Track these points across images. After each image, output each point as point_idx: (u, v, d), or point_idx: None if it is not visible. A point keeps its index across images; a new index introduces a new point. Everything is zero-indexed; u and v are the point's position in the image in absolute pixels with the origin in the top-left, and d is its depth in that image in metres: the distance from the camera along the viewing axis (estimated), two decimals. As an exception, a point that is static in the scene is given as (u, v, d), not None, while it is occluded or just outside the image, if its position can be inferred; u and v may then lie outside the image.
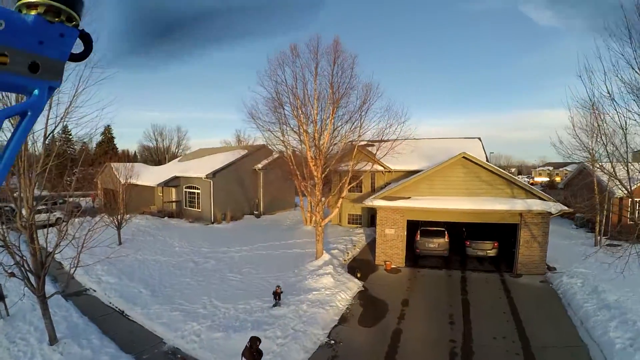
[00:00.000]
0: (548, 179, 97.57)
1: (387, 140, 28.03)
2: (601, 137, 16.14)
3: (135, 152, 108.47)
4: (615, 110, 12.01)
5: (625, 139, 12.31)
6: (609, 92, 11.69)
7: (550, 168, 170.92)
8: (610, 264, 13.20)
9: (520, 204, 17.68)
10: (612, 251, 13.27)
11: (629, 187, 12.91)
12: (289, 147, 20.69)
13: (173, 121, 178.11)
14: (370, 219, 29.25)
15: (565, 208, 17.53)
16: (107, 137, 74.48)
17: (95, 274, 17.34)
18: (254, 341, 9.60)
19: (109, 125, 73.74)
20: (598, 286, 15.20)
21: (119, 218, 23.76)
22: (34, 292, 10.23)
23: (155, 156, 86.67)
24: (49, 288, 12.79)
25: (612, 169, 14.09)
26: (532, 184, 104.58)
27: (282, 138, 20.69)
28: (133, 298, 15.11)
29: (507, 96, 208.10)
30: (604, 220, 23.51)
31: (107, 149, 72.05)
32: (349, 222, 30.51)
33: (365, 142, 34.75)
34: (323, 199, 20.46)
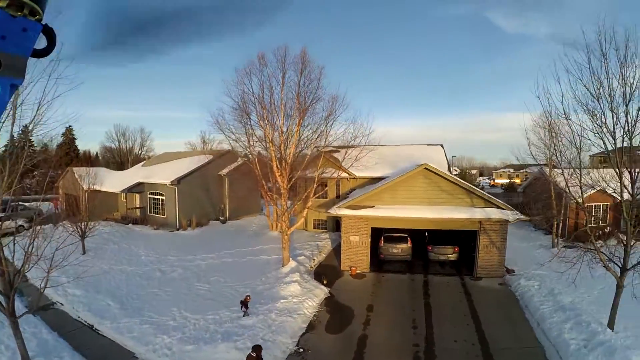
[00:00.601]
0: (508, 181, 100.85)
1: (353, 147, 28.74)
2: (556, 154, 17.61)
3: (97, 152, 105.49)
4: (571, 129, 13.15)
5: (579, 155, 13.37)
6: (565, 113, 12.78)
7: (511, 170, 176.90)
8: (563, 272, 14.19)
9: (479, 213, 18.66)
10: (566, 260, 14.19)
11: (581, 201, 13.92)
12: (255, 156, 20.88)
13: (136, 120, 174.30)
14: (335, 223, 29.80)
15: (522, 216, 18.63)
16: (68, 139, 72.25)
17: (60, 286, 17.10)
18: (259, 350, 10.17)
19: (70, 126, 71.64)
20: (554, 288, 16.21)
21: (82, 226, 23.28)
22: (4, 313, 10.06)
23: (117, 158, 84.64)
24: (16, 303, 12.64)
25: (565, 181, 15.30)
26: (493, 185, 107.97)
27: (248, 147, 20.85)
28: (101, 311, 15.11)
29: (470, 99, 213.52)
30: (560, 224, 24.71)
31: (68, 150, 70.06)
32: (314, 227, 30.99)
33: (331, 148, 35.38)
34: (290, 204, 20.82)
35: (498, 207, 18.87)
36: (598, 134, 12.08)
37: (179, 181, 30.82)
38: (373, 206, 19.66)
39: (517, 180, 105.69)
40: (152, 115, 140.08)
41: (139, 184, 33.30)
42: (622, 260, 12.28)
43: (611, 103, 11.53)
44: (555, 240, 24.45)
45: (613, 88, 11.44)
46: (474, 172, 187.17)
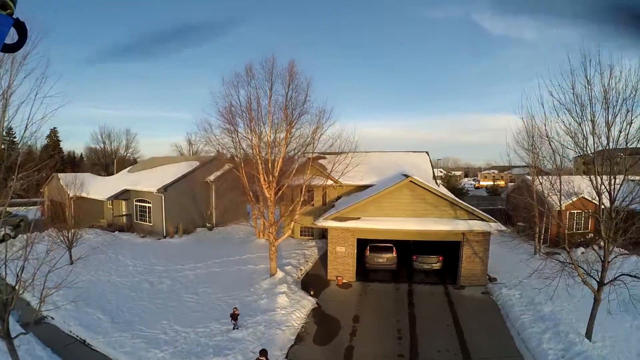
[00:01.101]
0: (492, 183, 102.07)
1: (340, 153, 29.12)
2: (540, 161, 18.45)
3: (81, 154, 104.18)
4: (552, 148, 13.88)
5: (559, 178, 14.05)
6: (547, 136, 13.48)
7: (495, 171, 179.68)
8: (541, 289, 14.80)
9: (462, 225, 19.29)
10: (544, 276, 14.77)
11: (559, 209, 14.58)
12: (242, 169, 21.07)
13: (121, 119, 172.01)
14: (322, 231, 30.14)
15: (504, 228, 19.28)
16: (53, 141, 71.35)
17: (50, 298, 17.14)
18: (265, 354, 10.96)
19: (54, 128, 70.95)
20: (534, 298, 16.82)
21: (69, 236, 23.26)
22: (-1, 334, 10.01)
23: (102, 159, 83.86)
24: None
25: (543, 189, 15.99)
26: (477, 187, 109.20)
27: (236, 156, 20.97)
28: (93, 326, 15.29)
29: (456, 100, 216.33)
30: (542, 231, 25.36)
31: (53, 152, 69.15)
32: (301, 234, 31.31)
33: (317, 154, 35.75)
34: (279, 208, 21.13)
35: (481, 219, 19.48)
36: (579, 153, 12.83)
37: (165, 189, 30.89)
38: (359, 218, 20.14)
39: (502, 183, 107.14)
40: (138, 115, 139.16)
41: (125, 191, 33.26)
42: (599, 274, 12.89)
43: (593, 127, 12.19)
44: (538, 247, 25.06)
45: (595, 111, 12.10)
46: (458, 173, 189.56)
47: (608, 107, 11.76)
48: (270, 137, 20.05)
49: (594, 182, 12.42)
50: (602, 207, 12.66)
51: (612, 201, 12.26)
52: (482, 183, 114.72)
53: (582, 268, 13.15)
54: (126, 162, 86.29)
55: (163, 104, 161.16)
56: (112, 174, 76.28)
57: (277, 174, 19.92)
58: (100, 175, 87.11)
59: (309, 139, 21.60)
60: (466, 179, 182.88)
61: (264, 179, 19.81)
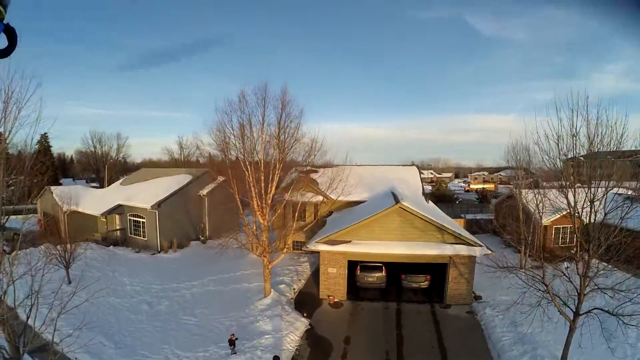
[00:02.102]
0: (482, 187, 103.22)
1: (332, 166, 30.03)
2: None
3: (72, 156, 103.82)
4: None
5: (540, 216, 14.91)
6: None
7: (486, 173, 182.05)
8: (523, 313, 15.73)
9: (449, 249, 20.34)
10: (522, 311, 15.54)
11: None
12: (236, 191, 21.67)
13: (112, 119, 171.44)
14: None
15: (489, 252, 20.13)
16: (44, 147, 71.21)
17: (52, 322, 17.72)
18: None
19: (45, 133, 70.75)
20: (516, 319, 17.55)
21: (66, 256, 23.77)
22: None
23: (93, 164, 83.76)
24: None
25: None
26: (467, 190, 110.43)
27: (231, 184, 21.59)
28: (98, 352, 16.00)
29: (447, 101, 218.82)
30: (528, 245, 26.10)
31: (44, 159, 69.05)
32: (293, 248, 32.06)
33: (310, 168, 36.63)
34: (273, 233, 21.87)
35: (467, 243, 20.44)
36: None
37: (159, 205, 31.50)
38: (350, 241, 21.04)
39: (491, 186, 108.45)
40: (129, 114, 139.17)
41: (119, 205, 33.78)
42: (575, 304, 13.75)
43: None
44: (524, 261, 25.81)
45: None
46: (449, 175, 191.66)
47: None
48: (262, 165, 20.71)
49: (569, 198, 13.44)
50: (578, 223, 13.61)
51: (591, 217, 13.02)
52: (472, 186, 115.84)
53: (559, 297, 14.01)
54: (118, 165, 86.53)
55: (154, 104, 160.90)
56: (103, 178, 76.74)
57: (270, 201, 20.67)
58: (92, 178, 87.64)
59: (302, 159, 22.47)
60: (457, 180, 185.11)
61: (257, 204, 20.57)
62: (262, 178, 20.54)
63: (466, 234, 21.22)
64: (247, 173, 20.30)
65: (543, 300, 14.43)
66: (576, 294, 13.55)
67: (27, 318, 11.53)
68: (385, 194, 28.09)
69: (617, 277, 14.13)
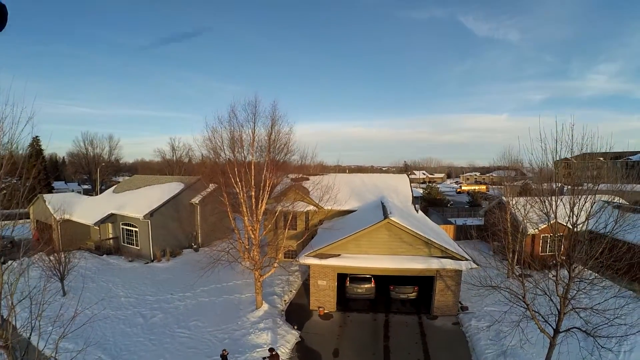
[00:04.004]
0: (475, 188, 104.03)
1: (323, 174, 30.49)
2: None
3: (64, 157, 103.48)
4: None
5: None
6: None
7: (477, 173, 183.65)
8: (507, 328, 16.35)
9: (435, 263, 21.04)
10: (503, 332, 16.10)
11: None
12: (229, 209, 22.16)
13: (105, 118, 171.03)
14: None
15: (475, 266, 20.78)
16: (36, 150, 70.95)
17: (50, 337, 18.10)
18: (273, 350, 14.07)
19: (37, 137, 70.57)
20: (501, 331, 17.95)
21: (61, 269, 24.09)
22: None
23: (85, 167, 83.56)
24: None
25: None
26: (459, 192, 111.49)
27: (225, 201, 22.04)
28: (97, 368, 16.40)
29: (439, 100, 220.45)
30: (516, 254, 26.65)
31: (35, 162, 68.72)
32: (285, 257, 32.55)
33: (300, 177, 37.25)
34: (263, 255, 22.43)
35: (453, 257, 21.10)
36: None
37: (151, 214, 31.98)
38: (339, 255, 21.70)
39: (483, 188, 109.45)
40: (122, 113, 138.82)
41: (112, 214, 34.17)
42: (556, 322, 14.29)
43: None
44: (511, 269, 26.21)
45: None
46: (441, 175, 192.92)
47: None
48: (252, 184, 21.23)
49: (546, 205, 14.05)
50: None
51: (573, 225, 13.41)
52: (464, 188, 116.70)
53: (539, 315, 14.53)
54: (110, 167, 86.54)
55: (146, 104, 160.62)
56: (95, 181, 76.74)
57: (260, 217, 21.22)
58: (84, 179, 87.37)
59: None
60: (449, 181, 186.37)
61: (248, 218, 21.12)
62: (253, 194, 21.09)
63: (453, 247, 21.87)
64: (237, 189, 20.81)
65: (524, 318, 15.05)
66: (557, 312, 14.12)
67: (29, 338, 11.86)
68: (376, 205, 28.74)
69: (598, 297, 14.42)
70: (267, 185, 21.08)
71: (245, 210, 21.01)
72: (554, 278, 13.84)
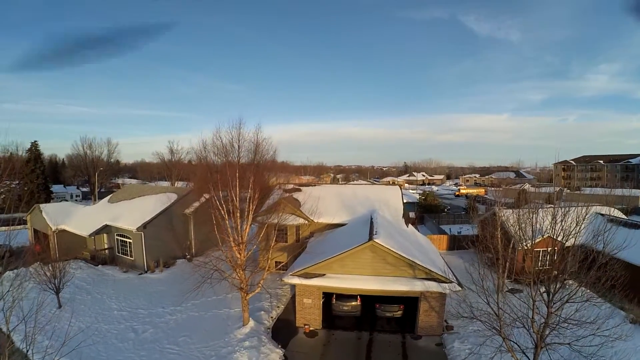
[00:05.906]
0: (472, 192, 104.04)
1: (315, 185, 31.11)
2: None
3: (63, 160, 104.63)
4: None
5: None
6: None
7: (477, 175, 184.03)
8: (488, 355, 16.86)
9: (419, 285, 21.45)
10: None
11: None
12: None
13: (103, 117, 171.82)
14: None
15: (459, 288, 21.11)
16: (35, 154, 71.83)
17: (44, 351, 18.66)
18: None
19: (35, 141, 71.44)
20: (482, 354, 18.08)
21: (56, 282, 24.65)
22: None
23: (84, 170, 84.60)
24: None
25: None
26: (457, 195, 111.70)
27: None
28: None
29: (438, 100, 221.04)
30: (506, 267, 26.98)
31: (34, 167, 69.66)
32: (275, 268, 33.08)
33: (292, 186, 37.84)
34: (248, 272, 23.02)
35: (437, 280, 21.45)
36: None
37: (145, 226, 32.72)
38: (324, 274, 22.29)
39: (482, 191, 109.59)
40: (120, 112, 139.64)
41: (106, 226, 34.84)
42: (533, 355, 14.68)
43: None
44: (501, 283, 26.66)
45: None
46: (441, 177, 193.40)
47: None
48: (237, 207, 21.89)
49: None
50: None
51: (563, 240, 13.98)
52: (462, 191, 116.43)
53: (518, 345, 14.84)
54: (109, 170, 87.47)
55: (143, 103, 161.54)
56: (94, 184, 77.66)
57: (245, 239, 21.85)
58: (84, 181, 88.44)
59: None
60: (448, 182, 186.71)
61: (234, 240, 21.72)
62: (238, 215, 21.72)
63: (438, 268, 22.16)
64: (222, 210, 21.46)
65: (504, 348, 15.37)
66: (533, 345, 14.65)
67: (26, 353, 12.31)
68: (365, 220, 29.18)
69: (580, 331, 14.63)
70: (251, 207, 21.74)
71: (229, 231, 21.61)
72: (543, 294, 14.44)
